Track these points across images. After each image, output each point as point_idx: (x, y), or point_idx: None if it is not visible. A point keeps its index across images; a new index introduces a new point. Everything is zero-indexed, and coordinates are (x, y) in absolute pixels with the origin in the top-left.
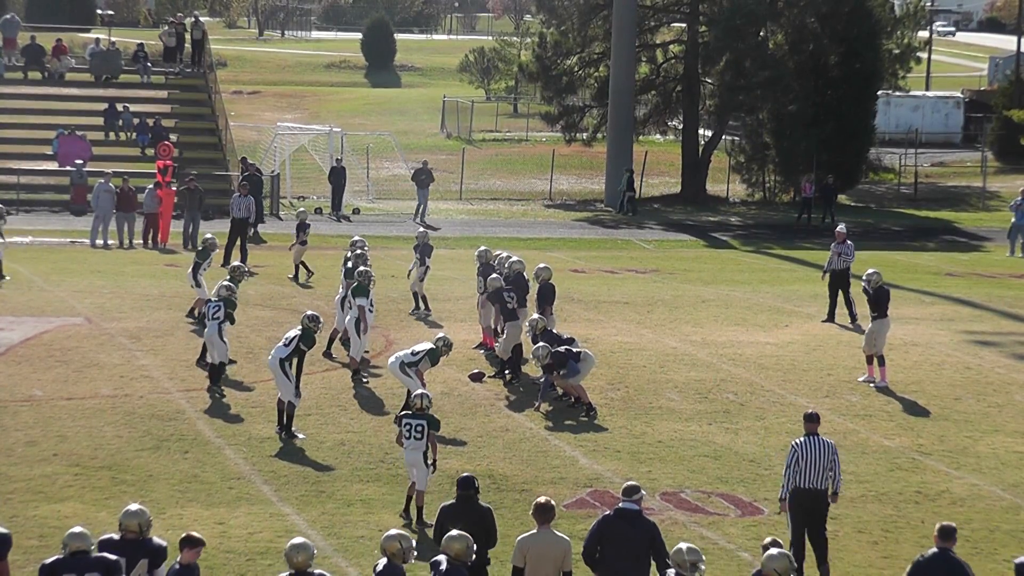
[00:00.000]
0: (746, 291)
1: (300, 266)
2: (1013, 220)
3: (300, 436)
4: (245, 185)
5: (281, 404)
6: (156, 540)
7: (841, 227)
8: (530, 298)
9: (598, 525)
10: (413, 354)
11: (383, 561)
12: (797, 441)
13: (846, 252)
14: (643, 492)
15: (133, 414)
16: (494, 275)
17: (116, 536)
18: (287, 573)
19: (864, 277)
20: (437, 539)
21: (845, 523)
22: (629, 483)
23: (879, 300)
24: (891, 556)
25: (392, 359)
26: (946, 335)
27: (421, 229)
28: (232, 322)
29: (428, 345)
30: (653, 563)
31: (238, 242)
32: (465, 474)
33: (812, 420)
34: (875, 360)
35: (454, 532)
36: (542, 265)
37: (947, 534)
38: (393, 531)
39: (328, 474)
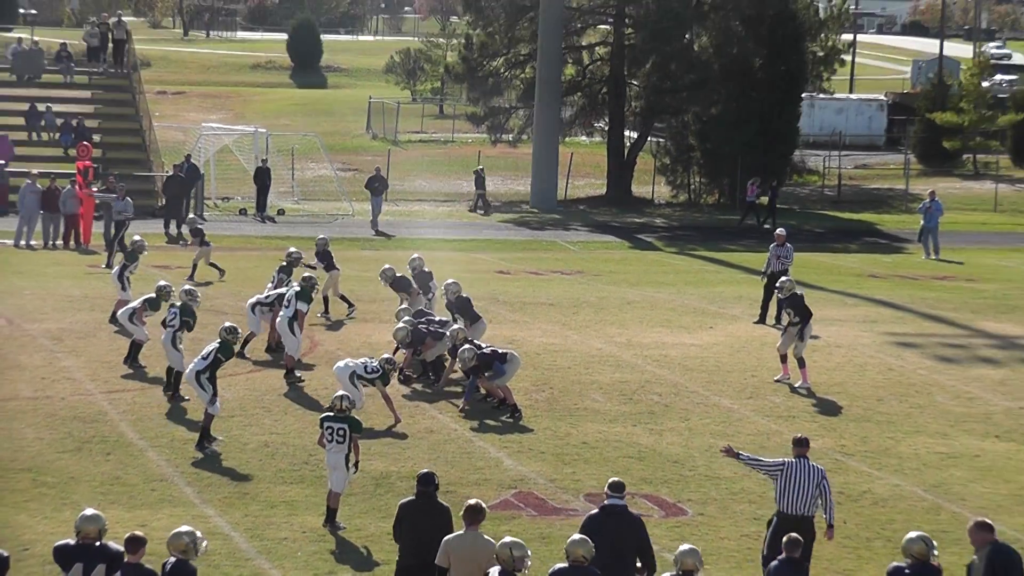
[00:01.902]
0: (671, 293)
1: (212, 266)
2: (922, 223)
3: (214, 446)
4: (123, 187)
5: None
6: (113, 545)
7: (780, 230)
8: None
9: (586, 523)
10: (367, 370)
11: (171, 560)
12: (788, 461)
13: (784, 255)
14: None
15: (54, 416)
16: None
17: (71, 541)
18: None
19: (777, 284)
20: (396, 536)
21: (765, 523)
22: (614, 479)
23: (794, 306)
24: (813, 556)
25: (342, 365)
26: (869, 337)
27: (320, 236)
28: (189, 329)
29: (376, 365)
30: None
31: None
32: (425, 470)
33: (801, 444)
34: (790, 361)
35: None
36: (450, 281)
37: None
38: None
39: (251, 476)
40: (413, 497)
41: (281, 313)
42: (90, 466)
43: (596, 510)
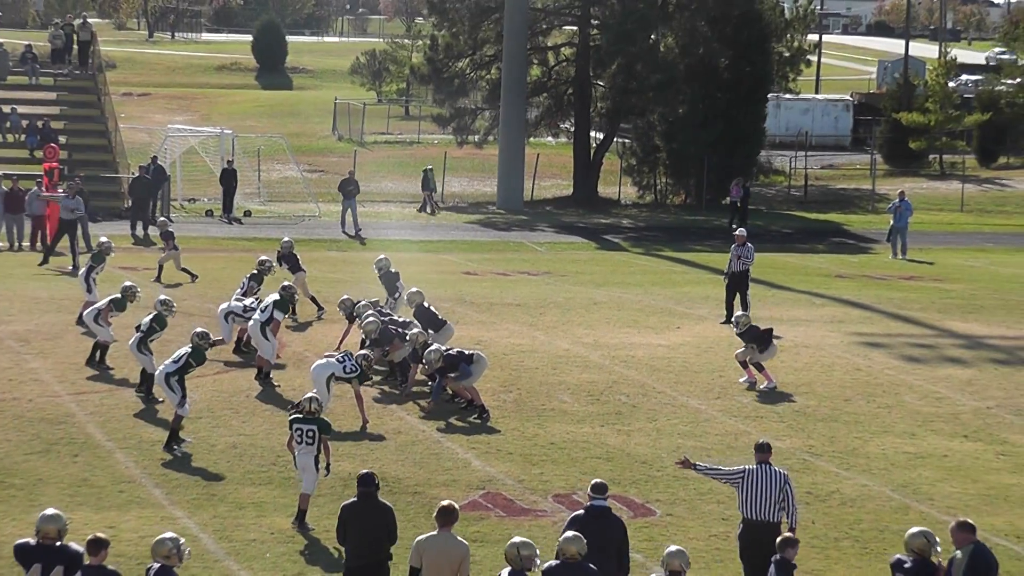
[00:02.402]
0: (638, 293)
1: (184, 272)
2: (892, 222)
3: (179, 448)
4: (74, 185)
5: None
6: (73, 546)
7: (741, 230)
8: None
9: (570, 524)
10: (346, 370)
11: (155, 566)
12: (749, 468)
13: (746, 255)
14: (580, 491)
15: (22, 417)
16: (413, 290)
17: (32, 541)
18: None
19: (732, 320)
20: (340, 538)
21: (733, 524)
22: (597, 480)
23: (754, 340)
24: None
25: (322, 363)
26: (836, 337)
27: (286, 239)
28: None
29: (354, 364)
30: None
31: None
32: (364, 471)
33: (763, 450)
34: (751, 366)
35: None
36: (413, 290)
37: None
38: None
39: (220, 477)
40: (355, 499)
41: (255, 317)
42: (58, 468)
43: (580, 511)
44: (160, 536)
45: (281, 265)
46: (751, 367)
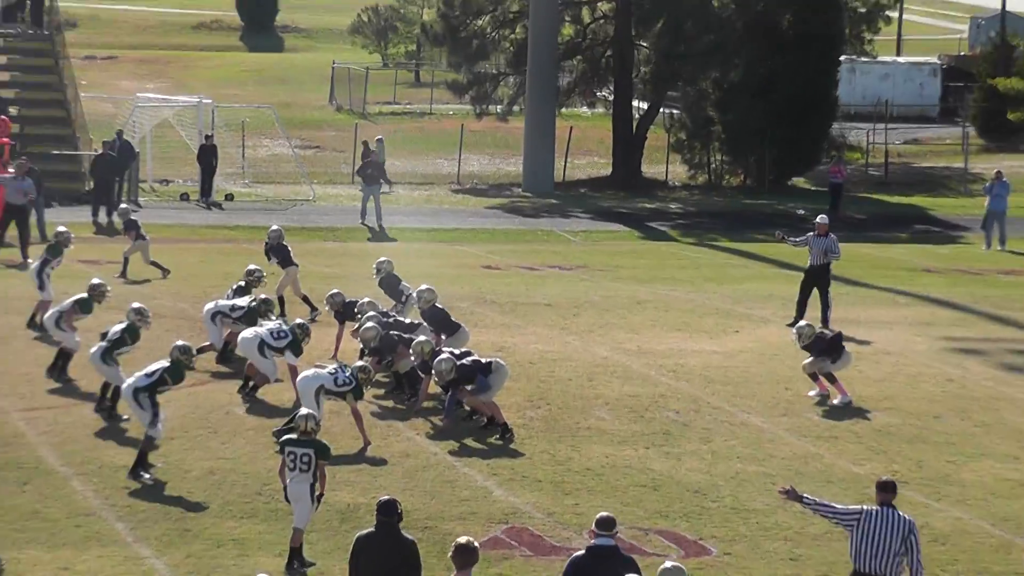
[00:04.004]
0: (689, 290)
1: (155, 265)
2: (988, 207)
3: (148, 475)
4: (23, 164)
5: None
6: None
7: (822, 217)
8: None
9: (569, 569)
10: (337, 383)
11: None
12: (867, 509)
13: (830, 247)
14: (619, 527)
15: None
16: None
17: None
18: None
19: (795, 330)
20: (352, 574)
21: (808, 565)
22: (603, 515)
23: (824, 349)
24: None
25: (309, 375)
26: (923, 342)
27: (274, 227)
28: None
29: (348, 376)
30: None
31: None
32: (386, 497)
33: (887, 490)
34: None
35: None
36: (424, 287)
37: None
38: None
39: (195, 509)
40: (372, 529)
41: (254, 331)
42: (3, 498)
43: (581, 552)
44: None
45: (270, 259)
46: (822, 378)
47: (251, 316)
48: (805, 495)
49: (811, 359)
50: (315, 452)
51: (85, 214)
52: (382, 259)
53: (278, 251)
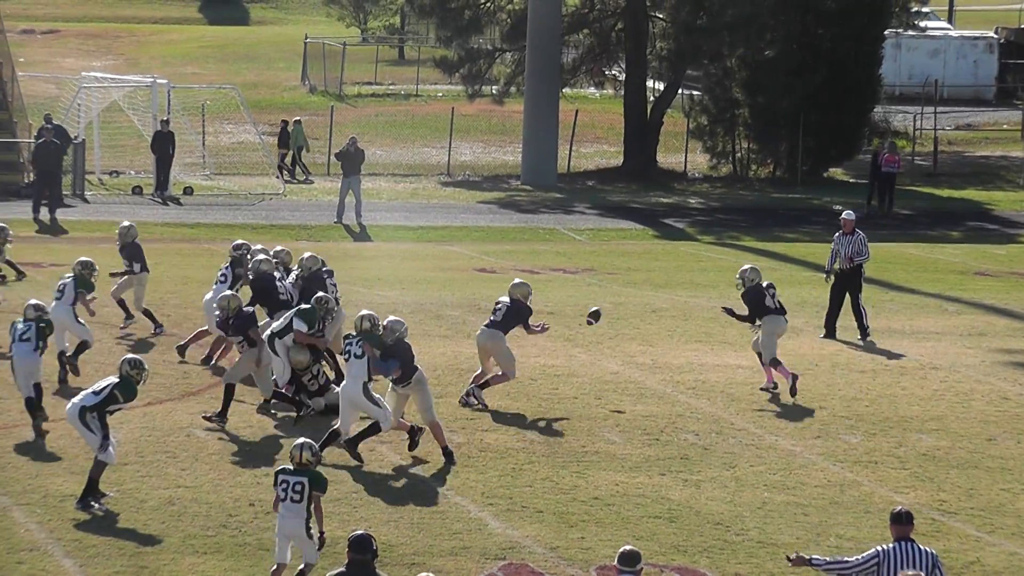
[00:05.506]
0: (711, 297)
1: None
2: None
3: (99, 505)
4: None
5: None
6: None
7: (848, 213)
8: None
9: None
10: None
11: None
12: (883, 549)
13: (858, 247)
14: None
15: None
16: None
17: None
18: None
19: (737, 276)
20: None
21: None
22: (627, 548)
23: (753, 301)
24: None
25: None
26: (976, 355)
27: (124, 224)
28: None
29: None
30: None
31: None
32: (359, 532)
33: (902, 521)
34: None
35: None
36: (394, 317)
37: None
38: None
39: (152, 543)
40: (342, 569)
41: (272, 326)
42: None
43: None
44: None
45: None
46: (770, 368)
47: (310, 315)
48: (813, 557)
49: (756, 336)
50: (309, 481)
51: (25, 210)
52: (306, 255)
53: (132, 251)
